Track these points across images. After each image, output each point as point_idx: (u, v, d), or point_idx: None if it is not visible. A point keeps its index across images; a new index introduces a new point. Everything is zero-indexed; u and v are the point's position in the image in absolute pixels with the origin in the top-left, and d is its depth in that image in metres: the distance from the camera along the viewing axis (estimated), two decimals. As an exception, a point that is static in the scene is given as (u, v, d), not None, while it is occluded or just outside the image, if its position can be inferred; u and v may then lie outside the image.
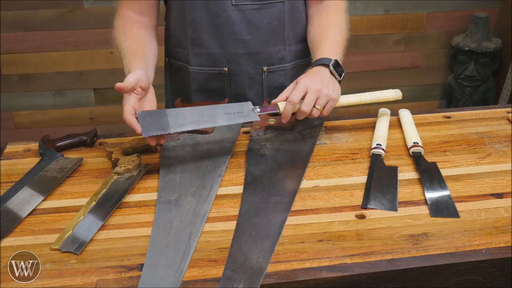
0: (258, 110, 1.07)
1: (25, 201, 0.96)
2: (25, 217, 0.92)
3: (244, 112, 1.07)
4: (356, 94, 1.19)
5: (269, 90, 1.30)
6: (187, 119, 1.03)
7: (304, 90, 1.05)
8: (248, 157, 1.10)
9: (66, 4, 2.48)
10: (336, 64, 1.12)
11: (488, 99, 2.80)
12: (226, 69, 1.26)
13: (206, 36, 1.23)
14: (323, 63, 1.11)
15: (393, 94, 1.20)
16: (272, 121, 1.18)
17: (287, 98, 1.06)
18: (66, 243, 0.84)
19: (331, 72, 1.10)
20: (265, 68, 1.27)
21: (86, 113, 2.72)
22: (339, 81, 1.13)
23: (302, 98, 1.05)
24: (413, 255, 0.80)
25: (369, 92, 1.19)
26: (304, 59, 1.33)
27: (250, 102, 1.10)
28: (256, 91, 1.30)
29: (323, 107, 1.06)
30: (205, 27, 1.22)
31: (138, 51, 1.14)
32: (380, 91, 1.20)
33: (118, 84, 1.00)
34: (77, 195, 0.98)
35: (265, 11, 1.21)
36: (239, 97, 1.29)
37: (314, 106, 1.05)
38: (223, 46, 1.24)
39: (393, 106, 1.27)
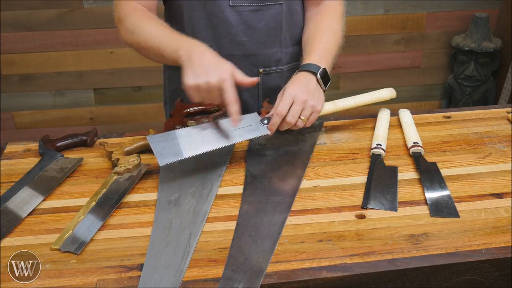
0: (266, 122, 1.07)
1: (25, 201, 0.96)
2: (25, 217, 0.92)
3: (253, 126, 1.07)
4: (354, 96, 1.20)
5: (264, 92, 1.29)
6: (199, 140, 1.02)
7: (291, 101, 1.04)
8: (248, 157, 1.10)
9: (66, 4, 2.48)
10: (324, 73, 1.11)
11: (488, 99, 2.80)
12: None
13: (203, 36, 1.23)
14: (311, 70, 1.10)
15: (388, 93, 1.22)
16: None
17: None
18: (66, 243, 0.84)
19: (317, 81, 1.09)
20: (261, 70, 1.27)
21: (86, 113, 2.72)
22: (324, 91, 1.12)
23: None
24: (413, 255, 0.80)
25: (365, 93, 1.21)
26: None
27: (256, 113, 1.10)
28: (252, 93, 1.29)
29: (307, 118, 1.06)
30: (202, 27, 1.22)
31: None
32: (375, 91, 1.22)
33: (253, 80, 1.03)
34: (77, 195, 0.98)
35: (262, 13, 1.21)
36: None
37: (299, 117, 1.04)
38: (220, 47, 1.23)
39: (393, 106, 1.27)
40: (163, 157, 0.98)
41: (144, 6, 1.20)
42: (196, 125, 1.06)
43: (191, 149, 1.01)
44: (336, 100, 1.17)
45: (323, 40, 1.18)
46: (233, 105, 0.98)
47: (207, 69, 0.98)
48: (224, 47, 1.23)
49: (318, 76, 1.09)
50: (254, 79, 1.04)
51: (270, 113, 1.07)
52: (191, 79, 0.98)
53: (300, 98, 1.04)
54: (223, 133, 1.04)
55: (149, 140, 1.01)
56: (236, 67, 1.03)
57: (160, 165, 0.97)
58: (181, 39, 1.06)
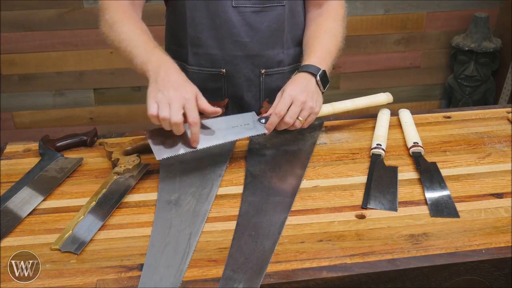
0: (263, 121, 1.07)
1: (25, 201, 0.96)
2: (25, 217, 0.92)
3: (250, 124, 1.07)
4: (352, 99, 1.21)
5: (266, 93, 1.30)
6: None
7: (290, 101, 1.04)
8: (248, 157, 1.10)
9: (66, 4, 2.48)
10: (323, 75, 1.10)
11: (488, 99, 2.80)
12: (224, 70, 1.25)
13: (205, 37, 1.23)
14: (311, 71, 1.09)
15: (385, 97, 1.24)
16: None
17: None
18: (66, 243, 0.84)
19: (316, 83, 1.09)
20: (263, 71, 1.27)
21: (86, 113, 2.72)
22: (322, 93, 1.12)
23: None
24: (413, 255, 0.80)
25: (363, 97, 1.22)
26: None
27: (254, 113, 1.10)
28: (253, 94, 1.30)
29: (305, 119, 1.05)
30: (205, 28, 1.22)
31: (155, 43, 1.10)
32: (372, 95, 1.24)
33: (216, 110, 0.99)
34: (77, 195, 0.98)
35: (265, 14, 1.21)
36: (236, 99, 1.29)
37: (297, 118, 1.04)
38: (222, 48, 1.23)
39: (393, 106, 1.27)
40: (160, 152, 0.98)
41: (128, 1, 1.16)
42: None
43: (189, 146, 1.01)
44: (334, 102, 1.18)
45: (324, 42, 1.18)
46: (194, 126, 0.96)
47: (172, 85, 0.96)
48: (226, 48, 1.23)
49: (318, 77, 1.09)
50: (217, 109, 1.00)
51: (268, 113, 1.07)
52: (153, 92, 0.96)
53: (299, 99, 1.04)
54: (220, 131, 1.05)
55: (147, 134, 1.01)
56: (200, 93, 1.00)
57: (157, 159, 0.97)
58: (152, 53, 1.04)
